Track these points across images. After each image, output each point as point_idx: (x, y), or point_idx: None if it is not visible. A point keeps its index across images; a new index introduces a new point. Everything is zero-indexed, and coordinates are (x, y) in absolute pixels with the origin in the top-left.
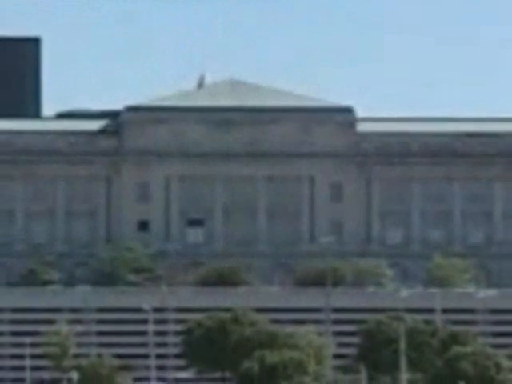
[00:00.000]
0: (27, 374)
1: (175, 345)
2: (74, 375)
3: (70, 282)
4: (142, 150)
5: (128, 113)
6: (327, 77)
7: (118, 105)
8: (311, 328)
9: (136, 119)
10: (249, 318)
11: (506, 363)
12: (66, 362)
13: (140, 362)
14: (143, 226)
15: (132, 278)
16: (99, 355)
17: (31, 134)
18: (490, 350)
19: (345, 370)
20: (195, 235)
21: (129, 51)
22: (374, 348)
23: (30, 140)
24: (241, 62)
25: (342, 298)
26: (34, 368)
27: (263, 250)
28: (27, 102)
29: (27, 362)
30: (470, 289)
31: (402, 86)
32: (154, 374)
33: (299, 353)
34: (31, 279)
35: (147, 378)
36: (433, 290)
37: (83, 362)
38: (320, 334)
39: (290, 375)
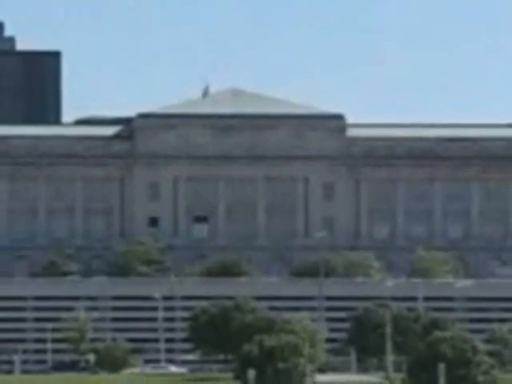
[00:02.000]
0: (49, 357)
1: (182, 330)
2: (91, 357)
3: (87, 272)
4: (153, 153)
5: (140, 119)
6: (320, 86)
7: (130, 112)
8: (306, 314)
9: (147, 125)
10: (249, 305)
11: (481, 346)
12: (84, 346)
13: (150, 345)
14: (153, 222)
15: (143, 269)
16: (114, 339)
17: (52, 139)
18: (467, 335)
19: (336, 352)
20: (200, 231)
21: (141, 64)
22: (363, 333)
23: (51, 144)
24: (241, 72)
25: (333, 287)
26: (55, 351)
27: (262, 244)
28: (49, 110)
29: (49, 346)
30: (449, 279)
31: (388, 95)
32: (163, 356)
33: (295, 337)
34: (52, 270)
35: (157, 360)
36: (415, 280)
37: (99, 345)
38: (313, 320)
39: (286, 357)
